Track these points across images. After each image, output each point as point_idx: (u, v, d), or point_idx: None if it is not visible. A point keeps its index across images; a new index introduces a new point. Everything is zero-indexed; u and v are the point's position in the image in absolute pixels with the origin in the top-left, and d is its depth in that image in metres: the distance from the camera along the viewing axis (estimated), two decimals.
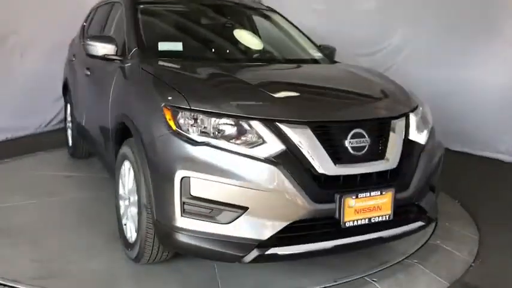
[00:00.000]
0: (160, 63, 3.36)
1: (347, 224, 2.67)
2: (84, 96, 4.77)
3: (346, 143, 2.70)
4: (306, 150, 2.61)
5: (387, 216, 2.79)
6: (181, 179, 2.56)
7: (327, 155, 2.64)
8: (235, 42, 4.17)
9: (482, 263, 3.37)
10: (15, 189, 4.50)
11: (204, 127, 2.61)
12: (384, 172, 2.83)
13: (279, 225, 2.58)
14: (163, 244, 2.85)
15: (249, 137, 2.60)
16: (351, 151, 2.71)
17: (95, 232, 3.58)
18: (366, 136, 2.75)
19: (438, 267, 3.26)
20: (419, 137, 3.06)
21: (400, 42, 6.66)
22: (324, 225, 2.69)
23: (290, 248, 2.63)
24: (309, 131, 2.63)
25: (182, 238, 2.62)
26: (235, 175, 2.53)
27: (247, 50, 4.17)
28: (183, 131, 2.62)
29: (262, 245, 2.58)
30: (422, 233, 3.47)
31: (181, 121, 2.63)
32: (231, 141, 2.59)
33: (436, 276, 3.14)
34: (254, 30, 4.60)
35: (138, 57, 3.43)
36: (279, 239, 2.61)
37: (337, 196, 2.62)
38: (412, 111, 3.12)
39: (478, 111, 5.90)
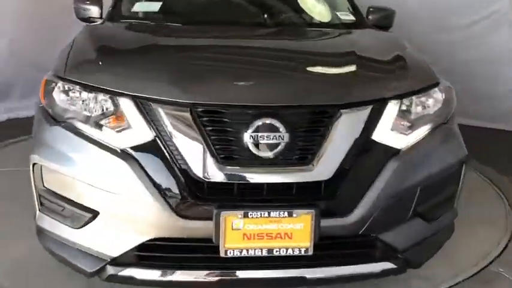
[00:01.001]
0: (113, 26, 2.87)
1: (229, 253, 1.88)
2: None
3: (246, 138, 1.88)
4: (180, 143, 1.88)
5: (303, 250, 1.90)
6: (33, 165, 2.07)
7: (209, 152, 1.88)
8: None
9: None
10: None
11: (71, 103, 2.06)
12: (306, 185, 1.93)
13: (134, 240, 1.92)
14: None
15: (115, 119, 1.98)
16: (253, 150, 1.88)
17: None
18: (282, 130, 1.88)
19: None
20: (393, 137, 2.04)
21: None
22: (201, 249, 1.94)
23: (153, 272, 1.96)
24: (189, 117, 1.89)
25: (42, 240, 2.15)
26: (88, 169, 1.94)
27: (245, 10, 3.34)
28: (47, 106, 2.11)
29: (118, 262, 1.96)
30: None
31: (53, 95, 2.12)
32: (94, 123, 1.99)
33: None
34: None
35: (107, 19, 3.00)
36: (140, 258, 1.97)
37: (214, 212, 1.85)
38: (397, 97, 2.09)
39: None
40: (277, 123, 1.88)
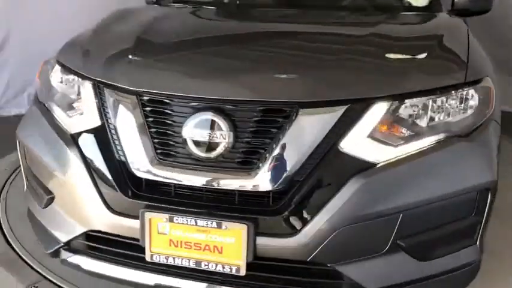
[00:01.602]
0: (160, 8, 2.80)
1: (155, 258, 1.70)
2: None
3: (185, 134, 1.67)
4: (123, 133, 1.76)
5: (234, 268, 1.64)
6: (19, 141, 2.14)
7: (148, 146, 1.71)
8: None
9: None
10: None
11: (52, 85, 2.07)
12: (247, 194, 1.65)
13: (77, 229, 1.87)
14: None
15: (78, 103, 1.93)
16: (192, 148, 1.66)
17: None
18: (224, 128, 1.63)
19: None
20: (370, 148, 1.63)
21: None
22: (134, 249, 1.79)
23: (94, 264, 1.88)
24: (135, 106, 1.75)
25: (28, 213, 2.22)
26: (48, 151, 1.93)
27: None
28: (36, 86, 2.16)
29: (70, 248, 1.94)
30: None
31: (40, 76, 2.16)
32: (64, 106, 1.97)
33: None
34: None
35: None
36: (88, 247, 1.91)
37: (140, 212, 1.69)
38: (389, 98, 1.66)
39: None
40: (220, 120, 1.63)
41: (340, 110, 1.62)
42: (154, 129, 1.71)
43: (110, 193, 1.74)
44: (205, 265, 1.66)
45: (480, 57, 2.00)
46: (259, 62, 1.87)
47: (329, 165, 1.61)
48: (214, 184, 1.65)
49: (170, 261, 1.69)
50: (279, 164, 1.60)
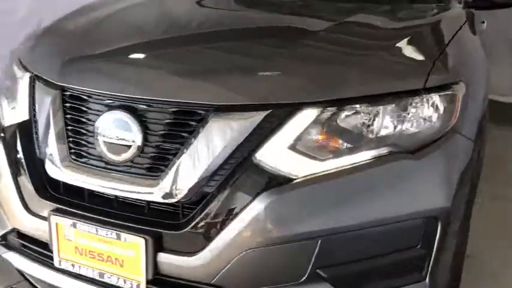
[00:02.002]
0: None
1: (63, 264, 1.60)
2: None
3: (97, 133, 1.55)
4: (44, 129, 1.67)
5: (135, 284, 1.50)
6: None
7: (64, 145, 1.61)
8: None
9: None
10: None
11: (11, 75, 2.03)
12: (153, 205, 1.50)
13: (6, 226, 1.81)
14: None
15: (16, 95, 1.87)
16: (103, 150, 1.54)
17: None
18: (134, 130, 1.49)
19: None
20: (290, 160, 1.41)
21: None
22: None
23: (22, 262, 1.81)
24: (58, 100, 1.65)
25: None
26: None
27: None
28: None
29: (5, 243, 1.89)
30: None
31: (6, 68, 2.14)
32: (10, 98, 1.93)
33: None
34: None
35: None
36: (21, 245, 1.85)
37: (48, 214, 1.60)
38: (318, 104, 1.43)
39: None
40: (131, 121, 1.49)
41: (259, 116, 1.42)
42: (71, 127, 1.61)
43: (28, 192, 1.66)
44: (108, 277, 1.54)
45: (460, 58, 1.70)
46: (179, 60, 1.68)
47: (241, 178, 1.41)
48: (119, 191, 1.51)
49: (76, 270, 1.58)
50: (186, 173, 1.43)
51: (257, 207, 1.37)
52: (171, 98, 1.48)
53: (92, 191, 1.58)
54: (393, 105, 1.47)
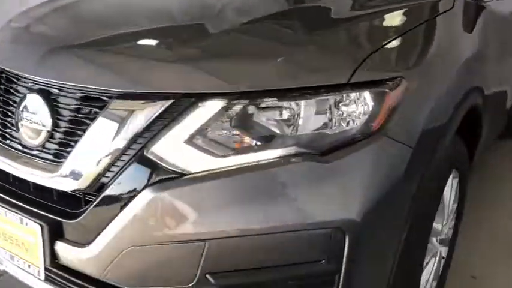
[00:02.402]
0: None
1: None
2: None
3: (18, 116, 1.54)
4: None
5: (36, 270, 1.48)
6: None
7: None
8: None
9: None
10: None
11: None
12: (58, 191, 1.47)
13: None
14: None
15: None
16: (21, 132, 1.54)
17: None
18: (45, 114, 1.46)
19: None
20: (184, 156, 1.31)
21: None
22: None
23: None
24: None
25: None
26: None
27: None
28: None
29: None
30: None
31: None
32: None
33: None
34: None
35: None
36: None
37: None
38: (222, 96, 1.32)
39: None
40: (44, 105, 1.47)
41: (159, 106, 1.33)
42: (3, 108, 1.62)
43: None
44: (17, 261, 1.53)
45: (411, 54, 1.50)
46: (87, 45, 1.61)
47: (134, 170, 1.33)
48: (30, 175, 1.50)
49: None
50: (83, 161, 1.38)
51: (140, 202, 1.28)
52: (78, 83, 1.43)
53: (7, 172, 1.58)
54: (310, 100, 1.32)
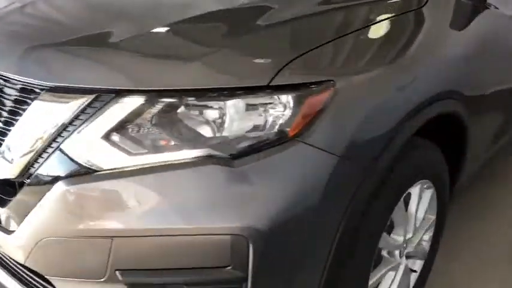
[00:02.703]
0: None
1: None
2: None
3: None
4: None
5: None
6: None
7: None
8: None
9: None
10: None
11: None
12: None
13: None
14: None
15: None
16: None
17: None
18: None
19: None
20: (98, 152, 1.31)
21: None
22: None
23: None
24: None
25: None
26: None
27: None
28: None
29: None
30: None
31: None
32: None
33: None
34: None
35: None
36: None
37: None
38: (144, 93, 1.32)
39: None
40: None
41: (82, 101, 1.34)
42: None
43: None
44: None
45: (349, 56, 1.42)
46: (35, 39, 1.61)
47: (54, 162, 1.35)
48: None
49: None
50: (12, 151, 1.42)
51: (53, 195, 1.31)
52: (15, 74, 1.47)
53: None
54: (229, 102, 1.28)
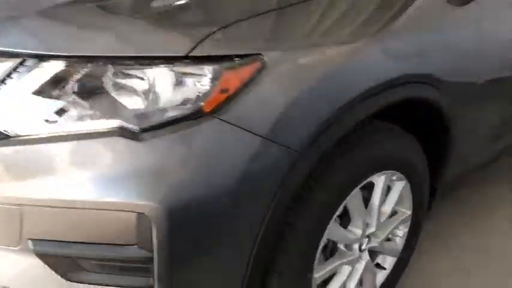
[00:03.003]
0: None
1: None
2: None
3: None
4: None
5: None
6: None
7: None
8: None
9: None
10: None
11: None
12: None
13: None
14: None
15: None
16: None
17: None
18: None
19: None
20: (17, 117, 1.28)
21: None
22: None
23: None
24: None
25: None
26: None
27: None
28: None
29: None
30: None
31: None
32: None
33: None
34: None
35: None
36: None
37: None
38: (62, 58, 1.26)
39: None
40: None
41: (9, 65, 1.31)
42: None
43: None
44: None
45: (281, 25, 1.31)
46: None
47: None
48: None
49: None
50: None
51: None
52: None
53: None
54: (145, 71, 1.21)
